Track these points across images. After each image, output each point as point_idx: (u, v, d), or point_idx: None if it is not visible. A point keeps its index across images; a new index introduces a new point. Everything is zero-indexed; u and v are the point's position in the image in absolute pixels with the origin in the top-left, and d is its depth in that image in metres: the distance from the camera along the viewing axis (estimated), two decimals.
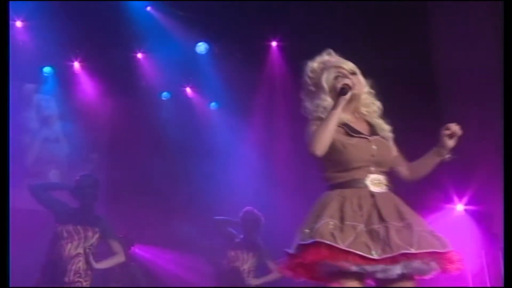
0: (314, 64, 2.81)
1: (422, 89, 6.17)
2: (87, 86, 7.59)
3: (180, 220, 7.02)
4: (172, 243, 7.16)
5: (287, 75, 7.38)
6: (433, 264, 2.47)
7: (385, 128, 2.78)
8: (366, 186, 2.58)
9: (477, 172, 5.60)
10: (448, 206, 6.05)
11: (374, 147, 2.65)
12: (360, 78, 2.79)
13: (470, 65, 5.87)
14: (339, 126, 2.63)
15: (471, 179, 5.78)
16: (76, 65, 7.40)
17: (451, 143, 2.69)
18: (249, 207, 5.62)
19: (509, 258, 3.06)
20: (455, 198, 6.07)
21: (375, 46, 6.11)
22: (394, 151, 2.78)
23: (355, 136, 2.65)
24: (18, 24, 6.64)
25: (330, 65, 2.77)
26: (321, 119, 2.64)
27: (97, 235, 4.81)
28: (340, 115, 2.61)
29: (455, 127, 2.67)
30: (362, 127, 2.74)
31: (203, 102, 8.23)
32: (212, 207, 6.78)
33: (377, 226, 2.43)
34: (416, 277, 2.52)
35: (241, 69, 7.31)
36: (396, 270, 2.40)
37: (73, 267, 4.64)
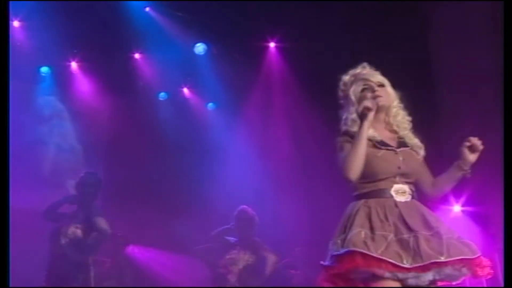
0: (346, 77, 2.88)
1: (421, 89, 6.18)
2: (85, 87, 7.57)
3: (179, 220, 7.01)
4: (171, 243, 7.14)
5: (285, 76, 7.39)
6: (464, 270, 2.52)
7: (415, 141, 2.81)
8: (390, 196, 2.62)
9: (475, 172, 5.60)
10: (445, 207, 6.04)
11: (400, 158, 2.69)
12: (389, 90, 2.83)
13: (470, 65, 5.88)
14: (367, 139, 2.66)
15: (468, 180, 5.77)
16: (74, 65, 7.41)
17: (472, 157, 2.69)
18: (244, 206, 5.62)
19: (508, 259, 3.06)
20: (452, 199, 6.07)
21: (374, 47, 6.12)
22: (421, 163, 2.80)
23: (382, 148, 2.69)
24: (16, 24, 6.63)
25: (359, 77, 2.82)
26: (348, 133, 2.72)
27: (94, 234, 4.83)
28: (369, 129, 2.65)
29: (475, 141, 2.67)
30: (390, 139, 2.77)
31: (200, 102, 8.25)
32: (211, 207, 6.78)
33: (406, 235, 2.47)
34: (447, 283, 2.57)
35: (239, 70, 7.32)
36: (428, 276, 2.47)
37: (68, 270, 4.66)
